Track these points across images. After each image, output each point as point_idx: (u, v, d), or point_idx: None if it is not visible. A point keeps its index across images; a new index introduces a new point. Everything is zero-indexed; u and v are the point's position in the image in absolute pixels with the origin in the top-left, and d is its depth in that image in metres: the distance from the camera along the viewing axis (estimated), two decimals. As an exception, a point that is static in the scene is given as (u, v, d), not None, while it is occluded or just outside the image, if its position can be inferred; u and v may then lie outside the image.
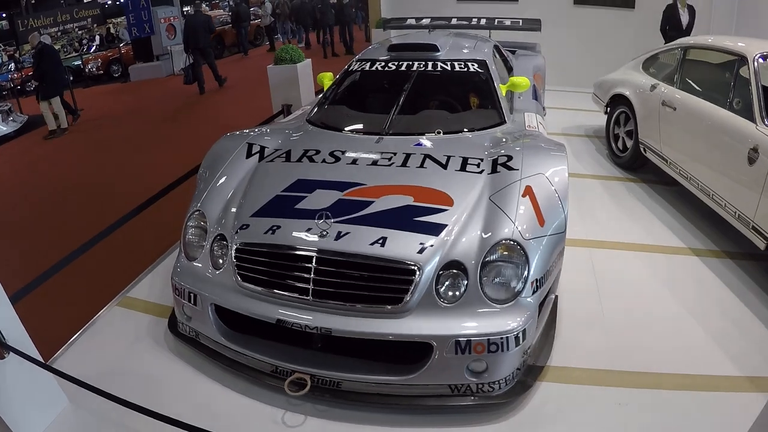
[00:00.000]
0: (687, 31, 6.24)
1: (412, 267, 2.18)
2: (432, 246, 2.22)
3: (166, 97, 11.09)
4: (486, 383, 2.20)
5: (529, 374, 2.35)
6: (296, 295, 2.26)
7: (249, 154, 3.00)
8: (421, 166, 2.73)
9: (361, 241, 2.26)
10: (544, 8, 7.09)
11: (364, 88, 3.83)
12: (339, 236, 2.29)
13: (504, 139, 3.04)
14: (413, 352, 2.20)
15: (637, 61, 5.06)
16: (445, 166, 2.72)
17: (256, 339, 2.46)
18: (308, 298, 2.23)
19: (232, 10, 14.83)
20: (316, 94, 5.92)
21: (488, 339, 2.12)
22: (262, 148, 3.04)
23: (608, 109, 5.29)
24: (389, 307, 2.18)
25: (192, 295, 2.52)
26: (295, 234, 2.35)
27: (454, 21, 5.49)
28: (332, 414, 2.30)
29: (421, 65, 3.61)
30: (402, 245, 2.23)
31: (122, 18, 16.18)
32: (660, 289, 3.22)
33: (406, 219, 2.36)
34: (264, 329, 2.41)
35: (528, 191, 2.48)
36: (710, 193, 3.59)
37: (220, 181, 2.82)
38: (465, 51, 3.90)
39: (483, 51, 3.92)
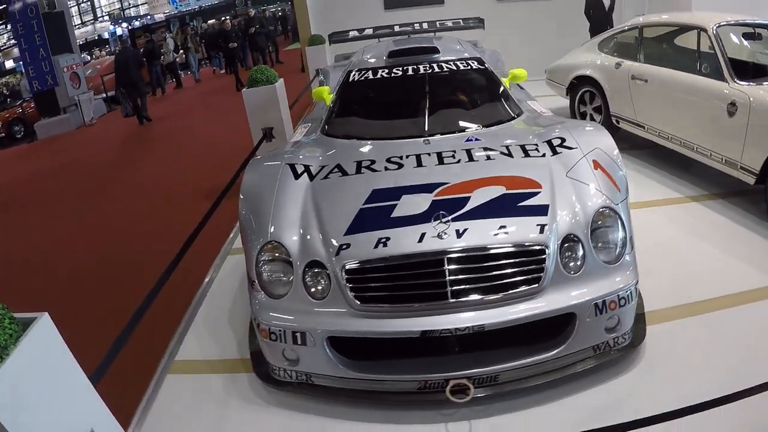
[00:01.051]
0: (609, 12, 7.01)
1: (541, 247, 2.33)
2: (548, 225, 2.40)
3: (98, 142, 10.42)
4: (619, 336, 2.45)
5: (640, 322, 2.66)
6: (431, 301, 2.24)
7: (297, 175, 2.84)
8: (488, 158, 2.86)
9: (484, 233, 2.35)
10: (470, 8, 7.55)
11: (377, 95, 3.78)
12: (460, 234, 2.33)
13: (538, 125, 3.29)
14: (551, 328, 2.35)
15: (591, 44, 5.67)
16: (511, 155, 2.86)
17: (387, 362, 2.38)
18: (447, 300, 2.22)
19: (144, 48, 14.20)
20: (294, 115, 6.00)
21: (618, 295, 2.37)
22: (307, 167, 2.91)
23: (569, 91, 5.85)
24: (526, 288, 2.27)
25: (297, 334, 2.32)
26: (411, 242, 2.32)
27: (396, 28, 5.71)
28: (493, 410, 2.33)
29: (428, 67, 3.68)
30: (523, 230, 2.38)
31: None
32: (679, 233, 3.78)
33: (510, 206, 2.49)
34: (383, 349, 2.38)
35: (596, 164, 2.75)
36: (694, 147, 4.18)
37: (282, 208, 2.63)
38: (460, 51, 4.04)
39: (473, 50, 4.15)
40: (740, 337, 2.68)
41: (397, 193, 2.62)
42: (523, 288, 2.27)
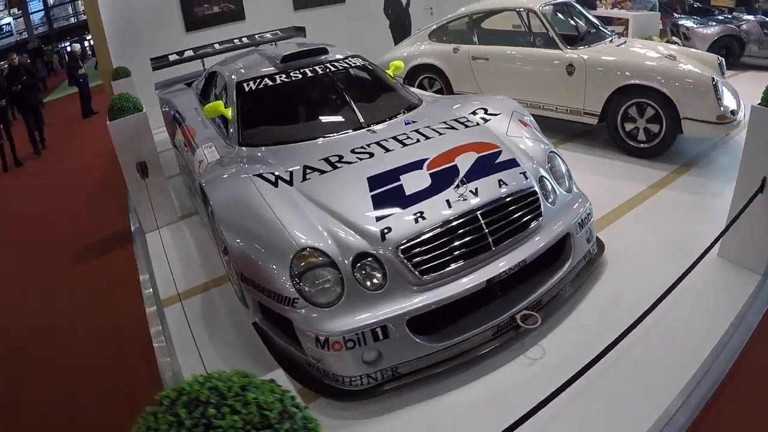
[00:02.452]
0: (406, 8, 7.72)
1: (533, 189, 2.76)
2: (527, 172, 2.82)
3: None
4: (593, 244, 3.06)
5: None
6: (479, 254, 2.47)
7: (273, 184, 2.71)
8: (440, 134, 3.07)
9: (492, 189, 2.66)
10: (270, 19, 7.48)
11: (288, 98, 3.63)
12: (476, 193, 2.60)
13: (451, 103, 3.65)
14: (553, 252, 2.76)
15: (420, 36, 6.23)
16: (454, 128, 3.14)
17: (457, 324, 2.49)
18: (492, 249, 2.49)
19: None
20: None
21: (587, 213, 2.98)
22: (275, 175, 2.78)
23: (406, 80, 6.35)
24: (535, 224, 2.68)
25: (378, 329, 2.24)
26: (443, 209, 2.49)
27: (217, 47, 5.63)
28: (548, 327, 2.68)
29: (325, 68, 3.71)
30: (514, 180, 2.74)
31: None
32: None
33: (490, 165, 2.82)
34: (447, 314, 2.47)
35: (522, 123, 3.34)
36: (541, 105, 5.10)
37: (287, 217, 2.47)
38: (342, 51, 4.09)
39: (347, 50, 4.22)
40: (657, 222, 3.63)
41: (393, 175, 2.69)
42: (533, 224, 2.68)
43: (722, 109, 4.22)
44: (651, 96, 4.40)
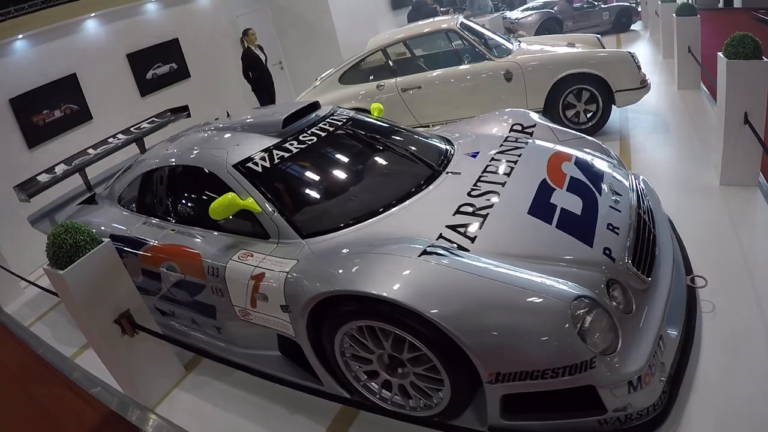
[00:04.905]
0: (266, 65, 6.93)
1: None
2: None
3: None
4: None
5: None
6: (654, 247, 2.43)
7: (457, 256, 2.08)
8: (516, 155, 2.84)
9: (621, 188, 2.66)
10: (119, 113, 6.15)
11: (322, 169, 2.87)
12: (619, 193, 2.57)
13: (478, 131, 3.36)
14: None
15: (328, 83, 5.57)
16: (521, 147, 2.95)
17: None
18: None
19: None
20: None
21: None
22: (444, 248, 2.13)
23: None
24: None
25: (659, 340, 2.00)
26: (623, 216, 2.38)
27: (91, 151, 4.49)
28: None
29: (336, 124, 3.10)
30: (624, 179, 2.76)
31: None
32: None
33: (590, 171, 2.75)
34: None
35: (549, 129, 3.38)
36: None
37: (514, 279, 1.93)
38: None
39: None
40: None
41: (543, 202, 2.41)
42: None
43: (641, 74, 4.70)
44: (585, 80, 4.68)
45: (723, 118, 3.52)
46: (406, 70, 5.29)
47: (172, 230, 2.91)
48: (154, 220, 3.08)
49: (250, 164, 2.70)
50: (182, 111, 5.15)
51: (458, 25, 4.90)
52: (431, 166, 2.80)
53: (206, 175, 2.76)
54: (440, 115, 5.21)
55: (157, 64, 6.64)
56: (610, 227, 2.25)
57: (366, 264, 2.04)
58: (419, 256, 2.00)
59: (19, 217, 4.77)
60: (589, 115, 4.84)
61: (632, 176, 2.81)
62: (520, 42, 5.32)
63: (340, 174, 2.84)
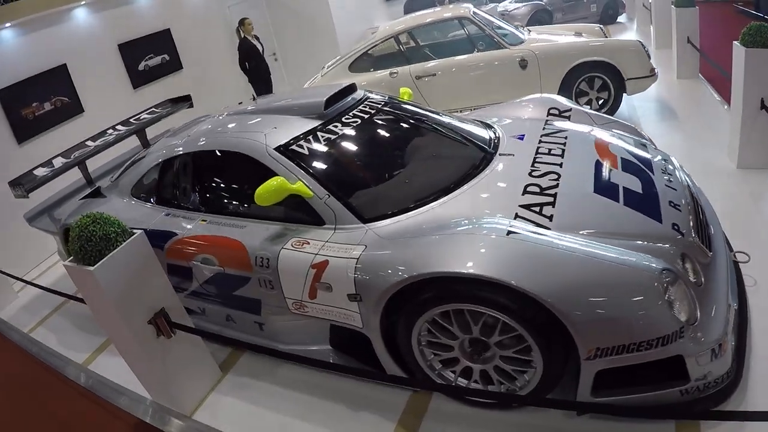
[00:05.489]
0: (263, 56, 6.67)
1: None
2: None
3: None
4: None
5: None
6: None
7: (539, 234, 2.04)
8: (562, 137, 2.76)
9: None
10: (108, 104, 5.78)
11: (371, 151, 2.75)
12: (670, 173, 2.55)
13: (514, 116, 3.28)
14: None
15: (337, 71, 5.33)
16: (565, 129, 2.87)
17: None
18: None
19: None
20: None
21: None
22: (534, 224, 2.14)
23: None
24: None
25: (732, 309, 2.06)
26: (676, 193, 2.36)
27: (89, 143, 4.18)
28: None
29: (378, 107, 2.94)
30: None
31: None
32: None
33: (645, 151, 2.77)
34: None
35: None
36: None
37: (608, 255, 1.87)
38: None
39: None
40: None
41: (604, 180, 2.35)
42: None
43: (651, 62, 4.67)
44: (597, 68, 4.64)
45: (740, 104, 3.57)
46: (420, 58, 5.13)
47: (204, 220, 2.67)
48: (179, 211, 2.84)
49: (294, 147, 2.51)
50: (185, 101, 4.85)
51: (471, 13, 4.77)
52: (483, 148, 2.69)
53: (243, 160, 2.54)
54: (454, 102, 5.06)
55: (149, 55, 6.29)
56: (672, 204, 2.22)
57: (453, 245, 1.93)
58: (507, 234, 1.91)
59: (8, 215, 4.41)
60: (600, 103, 4.80)
61: (670, 157, 2.77)
62: (529, 31, 5.23)
63: (390, 156, 2.71)
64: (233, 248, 2.42)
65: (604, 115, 3.27)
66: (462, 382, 2.13)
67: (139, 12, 6.30)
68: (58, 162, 3.98)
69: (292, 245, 2.27)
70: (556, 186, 2.27)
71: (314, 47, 7.61)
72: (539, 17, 8.72)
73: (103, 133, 4.33)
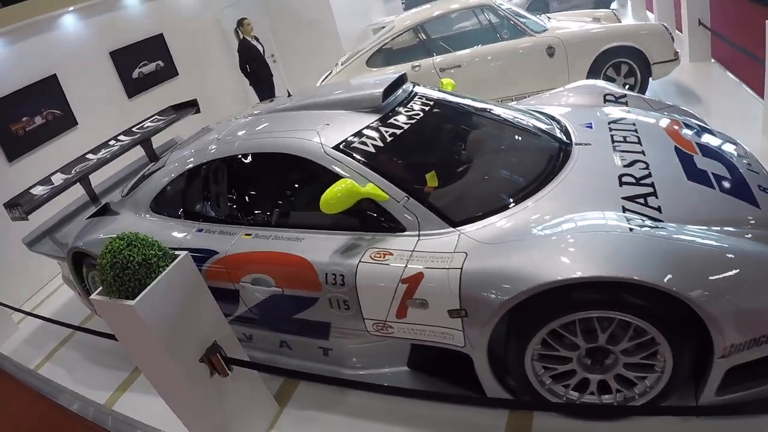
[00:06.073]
0: (264, 57, 6.28)
1: None
2: None
3: None
4: None
5: None
6: None
7: (649, 227, 1.83)
8: (631, 123, 2.55)
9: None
10: (104, 114, 5.34)
11: (442, 145, 2.48)
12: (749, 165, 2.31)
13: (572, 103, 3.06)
14: None
15: (354, 67, 5.01)
16: (628, 116, 2.65)
17: None
18: None
19: None
20: None
21: None
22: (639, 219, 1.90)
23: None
24: None
25: None
26: (759, 177, 2.17)
27: (90, 157, 3.76)
28: None
29: (431, 95, 2.70)
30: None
31: None
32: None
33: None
34: None
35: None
36: (527, 95, 4.50)
37: (727, 241, 1.71)
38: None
39: None
40: None
41: (692, 167, 2.14)
42: None
43: (674, 45, 4.47)
44: (623, 53, 4.42)
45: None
46: (442, 49, 4.83)
47: (248, 235, 2.30)
48: (214, 226, 2.47)
49: (356, 144, 2.18)
50: (190, 106, 4.43)
51: (497, 2, 4.50)
52: (557, 138, 2.39)
53: (294, 162, 2.21)
54: (481, 94, 4.76)
55: (143, 62, 5.84)
56: (761, 188, 2.04)
57: (577, 246, 1.69)
58: (630, 231, 1.69)
59: (2, 240, 3.95)
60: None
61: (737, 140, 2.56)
62: (549, 18, 4.97)
63: (460, 152, 2.41)
64: (295, 265, 2.06)
65: (659, 100, 3.01)
66: (573, 395, 1.86)
67: (129, 17, 5.85)
68: (58, 179, 3.56)
69: (371, 257, 1.93)
70: (649, 175, 2.04)
71: (315, 46, 7.22)
72: (536, 6, 8.51)
73: (104, 145, 3.92)
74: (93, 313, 3.61)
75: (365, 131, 2.27)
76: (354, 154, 2.14)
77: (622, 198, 1.90)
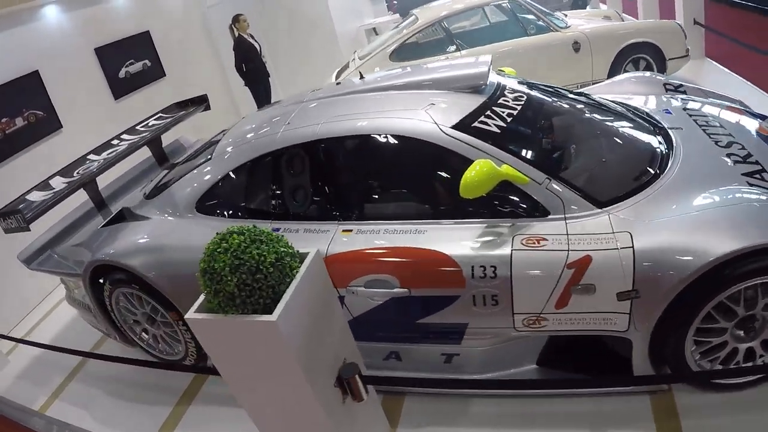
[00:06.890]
0: (261, 55, 5.85)
1: None
2: None
3: None
4: None
5: None
6: None
7: None
8: (703, 109, 2.51)
9: None
10: (90, 119, 4.74)
11: (555, 126, 2.30)
12: None
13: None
14: None
15: (376, 60, 4.73)
16: (697, 102, 2.62)
17: None
18: None
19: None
20: None
21: None
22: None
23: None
24: None
25: None
26: None
27: (93, 157, 3.25)
28: None
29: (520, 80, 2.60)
30: None
31: None
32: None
33: None
34: None
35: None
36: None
37: None
38: None
39: None
40: None
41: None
42: None
43: (687, 41, 4.56)
44: (641, 49, 4.48)
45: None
46: (469, 42, 4.66)
47: (347, 231, 1.95)
48: (295, 224, 2.09)
49: (476, 125, 1.93)
50: (199, 103, 3.94)
51: (527, -4, 4.43)
52: (650, 122, 2.33)
53: (404, 145, 1.94)
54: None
55: (130, 61, 5.24)
56: None
57: (732, 218, 1.65)
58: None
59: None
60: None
61: None
62: (566, 15, 4.95)
63: (571, 134, 2.24)
64: (429, 261, 1.77)
65: (711, 91, 3.00)
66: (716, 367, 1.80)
67: (114, 12, 5.26)
68: (58, 183, 3.00)
69: (523, 244, 1.70)
70: (750, 155, 2.00)
71: (309, 46, 6.83)
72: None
73: (107, 144, 3.39)
74: (107, 336, 3.06)
75: (481, 111, 2.02)
76: (477, 135, 1.89)
77: (742, 174, 1.86)
